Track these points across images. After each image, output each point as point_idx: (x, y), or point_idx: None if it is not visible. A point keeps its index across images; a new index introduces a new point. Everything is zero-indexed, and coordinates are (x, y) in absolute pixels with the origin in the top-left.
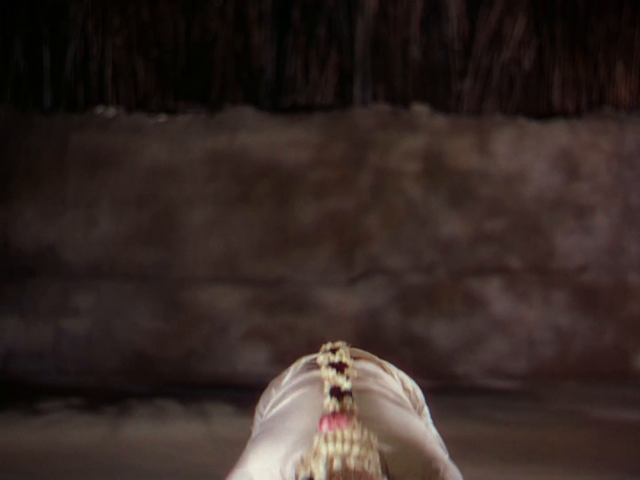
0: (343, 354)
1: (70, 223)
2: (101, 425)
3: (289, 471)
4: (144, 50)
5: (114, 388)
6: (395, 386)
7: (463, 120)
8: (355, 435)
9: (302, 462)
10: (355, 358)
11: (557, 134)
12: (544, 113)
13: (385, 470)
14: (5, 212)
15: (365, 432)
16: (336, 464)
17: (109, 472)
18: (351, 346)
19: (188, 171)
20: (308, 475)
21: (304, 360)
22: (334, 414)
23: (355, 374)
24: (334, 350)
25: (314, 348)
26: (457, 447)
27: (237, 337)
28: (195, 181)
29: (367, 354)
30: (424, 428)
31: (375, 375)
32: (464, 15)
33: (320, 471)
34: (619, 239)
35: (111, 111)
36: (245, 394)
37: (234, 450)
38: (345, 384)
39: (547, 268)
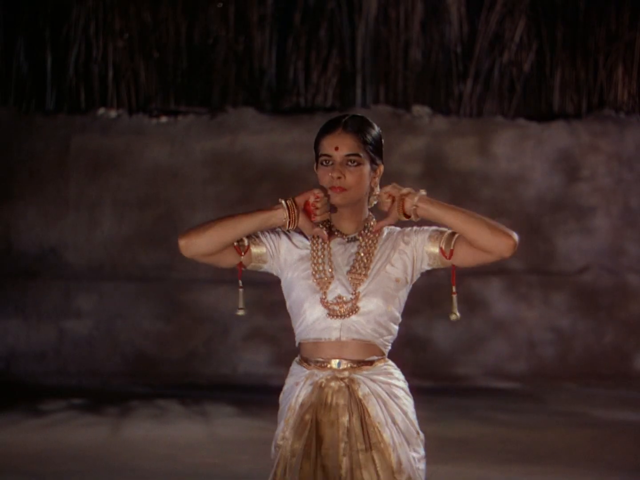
0: None
1: (72, 225)
2: (103, 425)
3: None
4: (146, 52)
5: (116, 389)
6: None
7: (464, 122)
8: None
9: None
10: None
11: (557, 136)
12: (544, 115)
13: None
14: (8, 213)
15: None
16: None
17: (111, 472)
18: None
19: (189, 173)
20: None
21: None
22: None
23: None
24: None
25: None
26: (458, 448)
27: (238, 339)
28: (197, 183)
29: None
30: None
31: None
32: (464, 18)
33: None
34: (619, 241)
35: (113, 113)
36: (246, 395)
37: (235, 450)
38: None
39: (547, 269)
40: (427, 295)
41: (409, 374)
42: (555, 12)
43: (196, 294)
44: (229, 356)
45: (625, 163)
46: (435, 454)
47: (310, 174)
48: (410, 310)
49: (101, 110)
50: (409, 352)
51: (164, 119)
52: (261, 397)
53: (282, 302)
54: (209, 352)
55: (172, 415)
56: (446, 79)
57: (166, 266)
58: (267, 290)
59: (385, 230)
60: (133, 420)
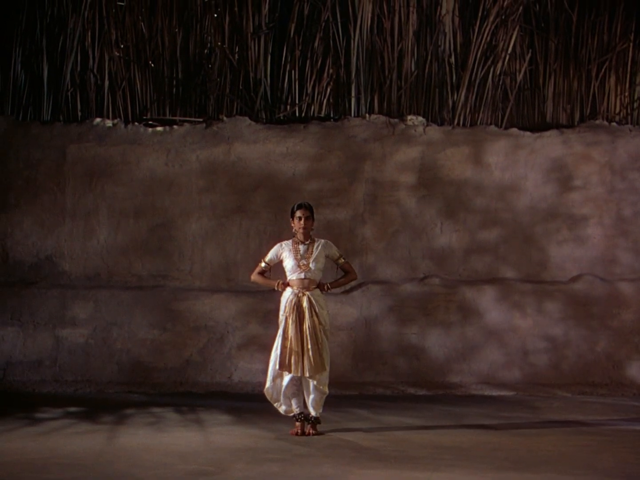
0: None
1: (68, 233)
2: (99, 433)
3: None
4: (141, 62)
5: (112, 397)
6: None
7: (457, 131)
8: None
9: None
10: None
11: (550, 146)
12: (537, 125)
13: None
14: (5, 222)
15: None
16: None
17: None
18: None
19: (185, 182)
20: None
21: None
22: None
23: None
24: None
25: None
26: (451, 455)
27: (233, 347)
28: (192, 192)
29: None
30: None
31: None
32: (458, 29)
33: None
34: (611, 249)
35: (109, 122)
36: (240, 403)
37: (230, 458)
38: None
39: (540, 278)
40: (420, 304)
41: (403, 382)
42: (549, 23)
43: (192, 302)
44: (224, 364)
45: (618, 172)
46: (429, 461)
47: (305, 183)
48: (404, 318)
49: (97, 120)
50: (403, 361)
51: (159, 129)
52: (256, 405)
53: (276, 311)
54: (205, 360)
55: (167, 423)
56: (440, 89)
57: (162, 275)
58: (262, 300)
59: (317, 241)
60: (129, 428)
